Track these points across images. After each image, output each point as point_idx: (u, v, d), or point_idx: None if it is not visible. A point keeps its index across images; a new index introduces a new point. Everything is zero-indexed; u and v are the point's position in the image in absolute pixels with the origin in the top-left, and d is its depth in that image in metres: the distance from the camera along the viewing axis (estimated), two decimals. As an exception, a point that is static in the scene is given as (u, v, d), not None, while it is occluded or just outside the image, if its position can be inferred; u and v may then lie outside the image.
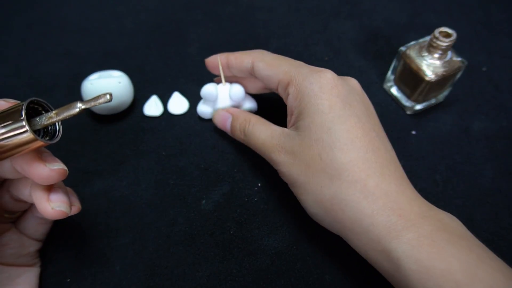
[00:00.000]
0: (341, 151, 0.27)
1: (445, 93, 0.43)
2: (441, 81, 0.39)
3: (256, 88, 0.38)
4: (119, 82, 0.40)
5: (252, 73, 0.35)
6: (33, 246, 0.31)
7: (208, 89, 0.38)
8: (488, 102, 0.44)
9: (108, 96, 0.22)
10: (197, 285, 0.32)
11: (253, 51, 0.35)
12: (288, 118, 0.32)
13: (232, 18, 0.53)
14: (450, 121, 0.43)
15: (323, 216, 0.28)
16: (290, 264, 0.33)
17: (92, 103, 0.23)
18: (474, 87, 0.46)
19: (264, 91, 0.38)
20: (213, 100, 0.38)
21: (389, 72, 0.44)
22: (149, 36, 0.50)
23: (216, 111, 0.38)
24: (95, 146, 0.40)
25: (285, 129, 0.31)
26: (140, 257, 0.33)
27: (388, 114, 0.43)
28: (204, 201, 0.36)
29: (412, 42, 0.41)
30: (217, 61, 0.37)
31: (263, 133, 0.32)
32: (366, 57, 0.49)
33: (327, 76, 0.30)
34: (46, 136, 0.24)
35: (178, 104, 0.43)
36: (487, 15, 0.53)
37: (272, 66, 0.33)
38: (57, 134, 0.24)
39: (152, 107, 0.43)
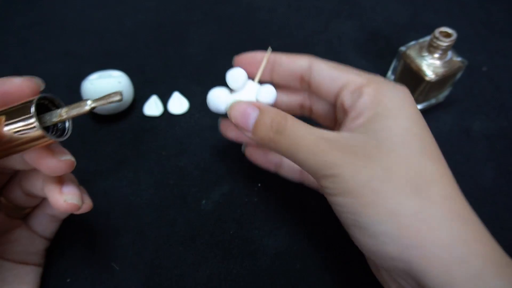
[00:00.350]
0: (433, 161, 0.24)
1: (445, 93, 0.43)
2: (441, 81, 0.39)
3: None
4: (119, 82, 0.40)
5: (303, 76, 0.30)
6: (42, 244, 0.31)
7: (239, 70, 0.30)
8: (489, 102, 0.44)
9: (119, 96, 0.22)
10: (197, 285, 0.32)
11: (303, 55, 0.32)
12: (345, 122, 0.27)
13: (232, 18, 0.53)
14: (450, 121, 0.43)
15: (392, 236, 0.22)
16: (290, 264, 0.33)
17: (103, 102, 0.22)
18: (475, 87, 0.46)
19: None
20: (237, 86, 0.30)
21: (389, 72, 0.44)
22: (149, 36, 0.50)
23: (234, 102, 0.29)
24: (95, 146, 0.40)
25: (341, 132, 0.26)
26: (140, 257, 0.33)
27: (388, 114, 0.43)
28: (204, 201, 0.36)
29: (412, 42, 0.41)
30: (254, 59, 0.30)
31: (311, 132, 0.25)
32: (366, 57, 0.49)
33: (405, 88, 0.28)
34: (56, 133, 0.23)
35: (178, 104, 0.43)
36: (487, 15, 0.53)
37: (336, 68, 0.29)
38: (66, 132, 0.24)
39: (152, 107, 0.43)
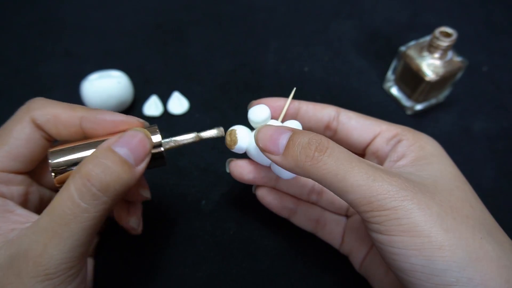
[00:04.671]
0: (484, 207, 0.24)
1: (445, 93, 0.43)
2: (441, 81, 0.39)
3: None
4: (119, 82, 0.40)
5: (330, 124, 0.29)
6: (96, 238, 0.33)
7: (262, 107, 0.27)
8: (489, 102, 0.44)
9: (221, 132, 0.28)
10: (197, 285, 0.32)
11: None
12: (387, 164, 0.27)
13: (232, 18, 0.53)
14: (450, 121, 0.43)
15: (473, 283, 0.19)
16: (290, 264, 0.33)
17: (207, 134, 0.28)
18: (475, 87, 0.46)
19: None
20: (260, 122, 0.27)
21: (389, 72, 0.44)
22: (149, 36, 0.50)
23: (262, 126, 0.26)
24: (95, 146, 0.40)
25: (390, 169, 0.25)
26: (140, 257, 0.33)
27: (388, 114, 0.43)
28: (204, 201, 0.36)
29: (412, 42, 0.41)
30: (275, 102, 0.29)
31: (359, 158, 0.22)
32: (366, 57, 0.49)
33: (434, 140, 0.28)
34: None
35: (178, 104, 0.43)
36: (487, 14, 0.53)
37: (367, 118, 0.29)
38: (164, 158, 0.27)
39: (152, 107, 0.43)
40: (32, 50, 0.49)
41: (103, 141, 0.24)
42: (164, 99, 0.44)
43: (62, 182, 0.24)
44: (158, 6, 0.54)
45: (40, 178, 0.27)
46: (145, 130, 0.25)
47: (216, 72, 0.47)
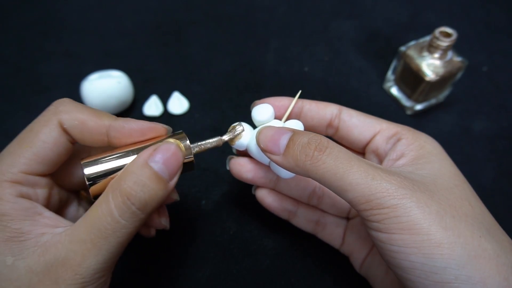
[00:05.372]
0: (483, 206, 0.24)
1: (445, 93, 0.43)
2: (441, 81, 0.39)
3: None
4: (119, 82, 0.40)
5: (332, 122, 0.30)
6: None
7: (266, 105, 0.28)
8: (489, 102, 0.44)
9: (242, 127, 0.28)
10: (197, 285, 0.32)
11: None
12: (386, 163, 0.27)
13: (232, 18, 0.53)
14: (450, 121, 0.43)
15: (472, 281, 0.19)
16: (290, 264, 0.33)
17: (231, 135, 0.28)
18: (475, 87, 0.46)
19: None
20: (262, 121, 0.28)
21: (389, 72, 0.44)
22: (149, 36, 0.50)
23: (263, 126, 0.27)
24: (95, 146, 0.40)
25: (389, 167, 0.26)
26: (140, 257, 0.33)
27: (388, 114, 0.43)
28: (204, 201, 0.36)
29: (412, 42, 0.41)
30: (279, 102, 0.29)
31: (358, 157, 0.23)
32: (366, 57, 0.49)
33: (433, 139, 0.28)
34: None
35: (178, 104, 0.43)
36: (487, 14, 0.53)
37: (368, 116, 0.29)
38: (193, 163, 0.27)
39: (152, 107, 0.43)
40: (32, 50, 0.49)
41: (135, 150, 0.24)
42: (164, 99, 0.44)
43: (96, 192, 0.24)
44: (158, 6, 0.54)
45: (60, 179, 0.27)
46: (178, 142, 0.25)
47: (216, 72, 0.47)
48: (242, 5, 0.54)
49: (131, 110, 0.43)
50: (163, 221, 0.28)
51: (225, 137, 0.28)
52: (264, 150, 0.25)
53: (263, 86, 0.46)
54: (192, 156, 0.26)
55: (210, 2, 0.55)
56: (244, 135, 0.28)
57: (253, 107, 0.28)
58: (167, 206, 0.37)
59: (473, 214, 0.22)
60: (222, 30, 0.51)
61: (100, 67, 0.44)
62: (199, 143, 0.27)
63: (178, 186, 0.37)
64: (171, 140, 0.25)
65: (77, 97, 0.42)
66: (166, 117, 0.43)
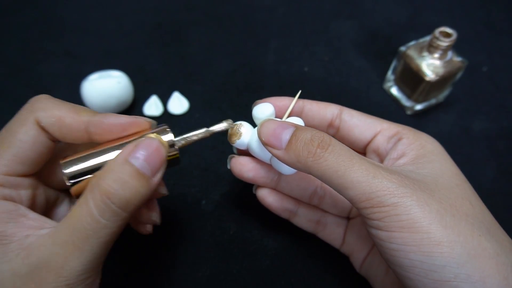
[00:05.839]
0: (484, 206, 0.24)
1: (445, 93, 0.43)
2: (441, 81, 0.39)
3: None
4: (119, 82, 0.40)
5: (333, 122, 0.30)
6: None
7: (267, 104, 0.28)
8: (489, 102, 0.44)
9: (229, 122, 0.27)
10: (197, 285, 0.32)
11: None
12: (387, 162, 0.27)
13: (232, 18, 0.53)
14: (450, 121, 0.43)
15: (471, 279, 0.19)
16: (290, 264, 0.33)
17: (216, 128, 0.27)
18: (475, 87, 0.46)
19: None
20: (263, 119, 0.28)
21: (389, 72, 0.44)
22: (149, 36, 0.50)
23: (265, 120, 0.26)
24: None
25: (390, 166, 0.26)
26: (140, 257, 0.33)
27: (388, 114, 0.43)
28: (204, 201, 0.36)
29: (412, 42, 0.41)
30: (280, 101, 0.29)
31: (360, 156, 0.23)
32: (366, 57, 0.49)
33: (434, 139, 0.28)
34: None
35: (178, 104, 0.43)
36: (487, 14, 0.53)
37: (369, 116, 0.29)
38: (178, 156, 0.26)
39: (152, 107, 0.43)
40: (32, 50, 0.49)
41: (115, 147, 0.24)
42: (164, 99, 0.44)
43: (78, 192, 0.23)
44: (158, 6, 0.54)
45: (45, 179, 0.26)
46: (160, 137, 0.24)
47: (216, 72, 0.47)
48: (242, 5, 0.54)
49: (131, 110, 0.43)
50: (153, 216, 0.28)
51: (213, 129, 0.27)
52: (265, 144, 0.25)
53: (263, 86, 0.46)
54: (177, 150, 0.25)
55: (210, 2, 0.55)
56: (245, 134, 0.28)
57: (254, 106, 0.28)
58: (167, 204, 0.37)
59: (473, 213, 0.22)
60: (222, 30, 0.51)
61: (100, 67, 0.44)
62: (184, 136, 0.26)
63: (177, 186, 0.37)
64: (153, 135, 0.24)
65: (77, 97, 0.42)
66: (166, 117, 0.43)
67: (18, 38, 0.50)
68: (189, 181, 0.38)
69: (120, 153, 0.22)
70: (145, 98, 0.44)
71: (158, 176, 0.23)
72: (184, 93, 0.44)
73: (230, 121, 0.28)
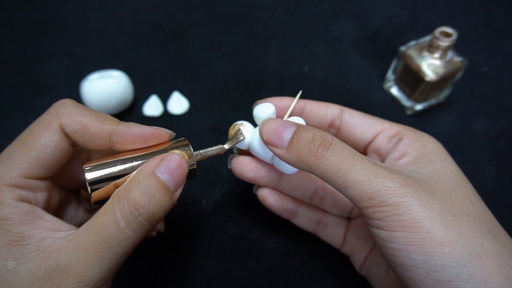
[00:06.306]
0: (485, 206, 0.24)
1: (445, 93, 0.43)
2: (441, 81, 0.39)
3: None
4: (119, 82, 0.40)
5: (333, 122, 0.30)
6: None
7: (268, 104, 0.28)
8: (489, 102, 0.44)
9: (242, 136, 0.28)
10: (197, 285, 0.32)
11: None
12: (388, 162, 0.27)
13: (232, 18, 0.53)
14: (450, 121, 0.43)
15: (473, 279, 0.19)
16: (290, 264, 0.33)
17: (233, 143, 0.28)
18: (475, 87, 0.46)
19: None
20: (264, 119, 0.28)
21: (389, 72, 0.44)
22: (149, 36, 0.50)
23: (267, 119, 0.26)
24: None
25: (391, 166, 0.26)
26: (140, 257, 0.33)
27: (388, 114, 0.43)
28: (204, 201, 0.36)
29: (412, 42, 0.41)
30: (281, 101, 0.29)
31: (361, 155, 0.23)
32: (366, 57, 0.49)
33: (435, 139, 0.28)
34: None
35: (178, 104, 0.43)
36: (488, 14, 0.53)
37: (370, 116, 0.29)
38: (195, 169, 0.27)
39: (152, 107, 0.43)
40: (32, 50, 0.49)
41: (139, 157, 0.24)
42: (164, 99, 0.44)
43: (98, 198, 0.24)
44: (158, 6, 0.54)
45: (58, 180, 0.26)
46: (183, 153, 0.25)
47: (216, 72, 0.47)
48: (242, 5, 0.54)
49: (131, 110, 0.43)
50: (158, 225, 0.28)
51: (227, 146, 0.28)
52: (267, 143, 0.25)
53: (263, 86, 0.46)
54: (195, 164, 0.26)
55: (210, 2, 0.55)
56: (246, 133, 0.28)
57: (254, 106, 0.28)
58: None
59: (474, 213, 0.22)
60: (222, 30, 0.51)
61: (100, 67, 0.44)
62: (201, 151, 0.27)
63: (178, 186, 0.37)
64: (177, 151, 0.25)
65: (77, 97, 0.42)
66: (166, 117, 0.43)
67: (18, 38, 0.50)
68: (189, 181, 0.38)
69: (146, 165, 0.23)
70: (145, 98, 0.44)
71: (179, 191, 0.24)
72: (184, 93, 0.44)
73: (242, 136, 0.28)
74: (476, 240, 0.20)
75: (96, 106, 0.39)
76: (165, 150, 0.25)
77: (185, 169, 0.24)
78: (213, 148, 0.27)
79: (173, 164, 0.23)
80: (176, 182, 0.23)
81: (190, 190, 0.37)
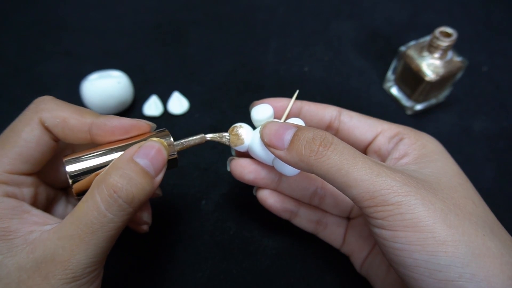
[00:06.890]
0: (486, 206, 0.24)
1: (445, 93, 0.43)
2: (441, 81, 0.39)
3: None
4: (119, 82, 0.40)
5: (331, 123, 0.30)
6: None
7: (266, 106, 0.28)
8: (489, 102, 0.44)
9: (228, 135, 0.28)
10: (197, 285, 0.32)
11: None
12: (389, 162, 0.27)
13: (232, 18, 0.53)
14: (450, 121, 0.43)
15: (476, 279, 0.19)
16: (290, 265, 0.33)
17: (216, 136, 0.28)
18: (475, 87, 0.46)
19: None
20: (262, 120, 0.27)
21: (389, 72, 0.44)
22: (149, 36, 0.50)
23: (267, 121, 0.26)
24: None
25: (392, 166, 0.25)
26: (140, 257, 0.33)
27: (388, 114, 0.43)
28: (204, 201, 0.36)
29: (412, 42, 0.41)
30: (278, 102, 0.29)
31: (363, 154, 0.22)
32: (366, 57, 0.49)
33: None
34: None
35: (177, 104, 0.43)
36: (488, 14, 0.53)
37: (369, 117, 0.29)
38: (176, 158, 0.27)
39: (152, 107, 0.43)
40: (32, 50, 0.49)
41: (118, 148, 0.24)
42: (164, 99, 0.44)
43: (79, 190, 0.24)
44: (158, 6, 0.54)
45: (45, 177, 0.27)
46: (162, 140, 0.25)
47: (216, 72, 0.47)
48: (242, 5, 0.54)
49: (131, 110, 0.43)
50: (145, 217, 0.28)
51: (208, 136, 0.28)
52: (267, 145, 0.25)
53: (263, 86, 0.46)
54: (175, 153, 0.26)
55: (210, 2, 0.55)
56: (245, 136, 0.28)
57: (252, 107, 0.28)
58: (167, 204, 0.37)
59: (476, 212, 0.22)
60: (222, 30, 0.51)
61: (100, 67, 0.44)
62: (182, 141, 0.27)
63: (178, 186, 0.37)
64: (155, 138, 0.25)
65: (77, 97, 0.42)
66: (166, 117, 0.43)
67: (18, 38, 0.50)
68: (189, 181, 0.38)
69: (125, 152, 0.23)
70: (145, 98, 0.44)
71: (160, 176, 0.24)
72: (184, 93, 0.44)
73: (225, 134, 0.28)
74: (478, 239, 0.20)
75: (96, 106, 0.39)
76: (144, 140, 0.25)
77: (164, 155, 0.24)
78: (194, 137, 0.28)
79: (152, 151, 0.24)
80: (155, 167, 0.24)
81: (190, 190, 0.37)
